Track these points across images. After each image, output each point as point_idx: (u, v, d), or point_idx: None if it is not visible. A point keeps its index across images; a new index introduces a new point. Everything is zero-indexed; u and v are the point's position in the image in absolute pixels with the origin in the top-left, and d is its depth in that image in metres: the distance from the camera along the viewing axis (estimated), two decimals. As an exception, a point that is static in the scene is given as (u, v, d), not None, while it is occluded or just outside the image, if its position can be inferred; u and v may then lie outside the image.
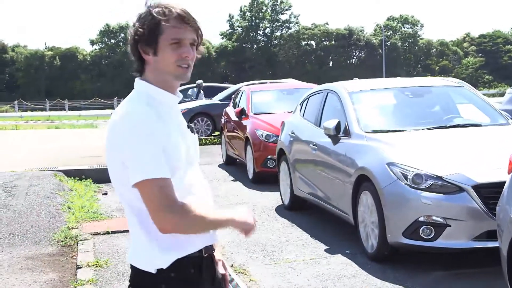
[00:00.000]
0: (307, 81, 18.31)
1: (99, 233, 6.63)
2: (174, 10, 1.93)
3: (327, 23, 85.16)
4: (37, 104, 56.36)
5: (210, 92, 19.28)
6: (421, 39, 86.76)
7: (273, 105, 11.39)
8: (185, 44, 1.95)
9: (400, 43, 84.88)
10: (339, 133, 6.32)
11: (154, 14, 1.93)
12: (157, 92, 1.99)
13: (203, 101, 17.93)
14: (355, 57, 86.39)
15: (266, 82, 15.51)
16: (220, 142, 13.51)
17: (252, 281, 5.08)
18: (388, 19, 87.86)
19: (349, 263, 5.45)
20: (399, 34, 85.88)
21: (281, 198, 8.18)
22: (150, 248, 1.94)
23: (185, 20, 1.94)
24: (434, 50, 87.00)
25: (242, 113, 11.12)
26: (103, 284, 5.00)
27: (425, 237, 5.00)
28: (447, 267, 5.24)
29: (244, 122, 10.85)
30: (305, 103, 7.97)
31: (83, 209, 7.73)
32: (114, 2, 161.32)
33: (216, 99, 17.55)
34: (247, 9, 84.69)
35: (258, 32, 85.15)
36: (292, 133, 7.81)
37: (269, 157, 9.61)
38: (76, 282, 5.00)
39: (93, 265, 5.43)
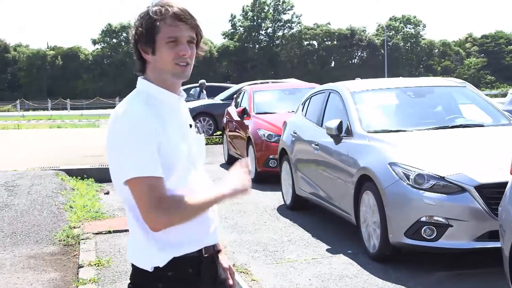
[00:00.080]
0: (309, 81, 18.31)
1: (101, 232, 6.63)
2: (171, 9, 1.94)
3: (329, 23, 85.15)
4: (39, 104, 56.43)
5: (213, 92, 19.30)
6: (423, 39, 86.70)
7: (275, 105, 11.39)
8: (182, 42, 1.95)
9: (402, 43, 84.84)
10: (341, 133, 6.31)
11: (151, 13, 1.94)
12: (157, 91, 1.99)
13: (205, 101, 17.94)
14: (357, 57, 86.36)
15: (268, 82, 15.52)
16: (222, 141, 13.52)
17: (254, 280, 5.08)
18: (390, 19, 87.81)
19: (350, 263, 5.45)
20: (401, 34, 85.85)
21: (283, 197, 8.18)
22: (148, 246, 1.94)
23: (181, 18, 1.94)
24: (436, 50, 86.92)
25: (244, 113, 11.12)
26: (105, 283, 5.00)
27: (427, 237, 4.99)
28: (449, 267, 5.24)
29: (246, 121, 10.86)
30: (307, 103, 7.97)
31: (85, 208, 7.73)
32: (114, 2, 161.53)
33: (218, 99, 17.56)
34: (249, 9, 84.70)
35: (260, 32, 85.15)
36: (294, 133, 7.81)
37: (271, 156, 9.61)
38: (78, 281, 5.01)
39: (95, 264, 5.43)
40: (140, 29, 1.96)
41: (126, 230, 6.84)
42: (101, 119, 31.07)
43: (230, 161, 12.28)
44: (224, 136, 12.80)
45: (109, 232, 6.64)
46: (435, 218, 4.96)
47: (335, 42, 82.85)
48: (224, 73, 79.26)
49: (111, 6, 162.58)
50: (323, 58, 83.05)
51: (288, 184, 7.96)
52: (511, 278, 3.76)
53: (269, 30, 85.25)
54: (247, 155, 10.48)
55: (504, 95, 37.71)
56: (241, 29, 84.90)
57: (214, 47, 79.73)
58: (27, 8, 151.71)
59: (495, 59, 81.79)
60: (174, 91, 2.02)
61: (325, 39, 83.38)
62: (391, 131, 6.09)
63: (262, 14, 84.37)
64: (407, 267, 5.24)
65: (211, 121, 16.96)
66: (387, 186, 5.24)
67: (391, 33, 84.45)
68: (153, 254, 1.94)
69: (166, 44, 1.94)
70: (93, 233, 6.57)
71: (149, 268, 1.94)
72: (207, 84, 20.44)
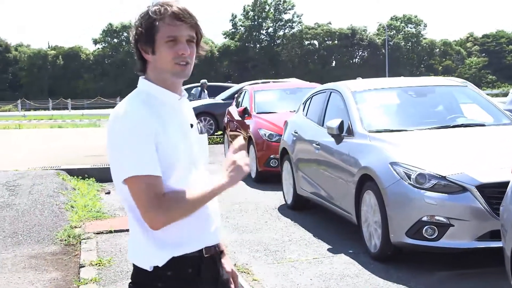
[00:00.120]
0: (310, 80, 18.30)
1: (102, 232, 6.63)
2: (170, 8, 1.94)
3: (330, 23, 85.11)
4: (40, 104, 56.43)
5: (214, 92, 19.30)
6: (424, 39, 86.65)
7: (276, 104, 11.39)
8: (181, 42, 1.95)
9: (403, 43, 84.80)
10: (342, 132, 6.31)
11: (150, 13, 1.95)
12: (157, 90, 1.99)
13: (206, 101, 17.95)
14: (358, 57, 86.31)
15: (269, 82, 15.51)
16: (223, 141, 13.51)
17: (255, 280, 5.08)
18: (391, 18, 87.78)
19: (352, 263, 5.45)
20: (402, 34, 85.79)
21: (284, 197, 8.18)
22: (147, 246, 1.95)
23: (180, 17, 1.94)
24: (437, 50, 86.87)
25: (245, 113, 11.12)
26: (106, 283, 5.00)
27: (428, 237, 4.99)
28: (450, 267, 5.24)
29: (247, 121, 10.85)
30: (308, 102, 7.96)
31: (86, 208, 7.73)
32: (114, 1, 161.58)
33: (219, 99, 17.56)
34: (250, 9, 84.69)
35: (261, 31, 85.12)
36: (295, 132, 7.80)
37: (272, 156, 9.61)
38: (79, 281, 5.01)
39: (96, 264, 5.43)
40: (139, 29, 1.97)
41: (127, 230, 6.80)
42: (102, 119, 31.08)
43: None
44: (225, 135, 12.80)
45: (110, 231, 6.64)
46: (437, 217, 4.96)
47: (336, 42, 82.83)
48: (225, 72, 79.24)
49: (111, 6, 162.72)
50: (324, 57, 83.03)
51: (289, 184, 7.95)
52: (513, 278, 3.75)
53: (270, 29, 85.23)
54: (248, 155, 10.46)
55: (505, 95, 37.67)
56: (242, 28, 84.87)
57: (215, 47, 79.72)
58: (27, 8, 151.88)
59: (496, 58, 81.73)
60: (175, 91, 2.02)
61: (326, 39, 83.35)
62: (392, 130, 6.08)
63: (263, 13, 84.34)
64: (409, 267, 5.24)
65: (212, 121, 16.95)
66: (388, 185, 5.23)
67: (392, 33, 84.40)
68: (152, 253, 1.94)
69: (166, 43, 1.94)
70: (94, 233, 6.57)
71: (148, 267, 1.94)
72: (208, 83, 20.45)
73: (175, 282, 1.95)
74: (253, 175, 10.15)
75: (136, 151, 1.86)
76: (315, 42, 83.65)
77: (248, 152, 10.47)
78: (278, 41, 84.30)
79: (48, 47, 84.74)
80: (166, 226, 1.89)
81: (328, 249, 5.92)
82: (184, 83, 2.12)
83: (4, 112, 48.72)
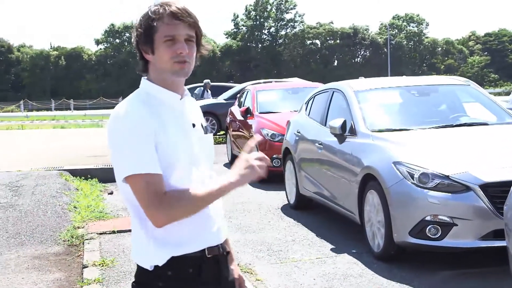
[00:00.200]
0: (312, 80, 18.30)
1: (105, 233, 6.63)
2: (168, 8, 1.94)
3: (332, 22, 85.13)
4: (43, 104, 56.53)
5: (218, 92, 19.31)
6: (427, 37, 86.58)
7: (279, 104, 11.38)
8: (179, 41, 1.95)
9: (405, 42, 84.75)
10: (345, 132, 6.30)
11: (150, 13, 1.96)
12: (158, 90, 1.99)
13: (208, 101, 17.95)
14: (360, 56, 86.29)
15: (271, 81, 15.50)
16: (226, 141, 13.51)
17: (258, 280, 5.08)
18: (393, 17, 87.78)
19: (355, 263, 5.44)
20: (404, 33, 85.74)
21: (287, 197, 8.17)
22: (147, 245, 1.95)
23: (178, 16, 1.94)
24: (440, 48, 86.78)
25: (247, 112, 11.12)
26: (109, 283, 5.00)
27: (431, 236, 4.98)
28: (454, 266, 5.22)
29: (249, 121, 10.85)
30: (310, 102, 7.95)
31: (89, 208, 7.74)
32: (114, 2, 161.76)
33: (221, 98, 17.56)
34: (252, 8, 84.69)
35: (263, 31, 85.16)
36: (297, 132, 7.80)
37: (274, 156, 9.60)
38: (83, 282, 5.01)
39: (99, 265, 5.43)
40: (139, 29, 1.98)
41: (130, 230, 6.79)
42: (105, 119, 31.10)
43: (233, 161, 12.27)
44: (228, 135, 12.79)
45: (113, 232, 6.65)
46: (440, 217, 4.95)
47: (338, 41, 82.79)
48: (227, 72, 79.29)
49: (111, 6, 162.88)
50: (326, 57, 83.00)
51: (291, 184, 7.95)
52: (517, 277, 3.74)
53: (272, 29, 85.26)
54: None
55: (508, 93, 37.67)
56: (244, 28, 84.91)
57: (217, 47, 79.75)
58: (28, 9, 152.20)
59: (499, 57, 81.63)
60: (176, 90, 2.02)
61: (328, 38, 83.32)
62: (395, 130, 6.07)
63: (265, 13, 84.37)
64: (412, 267, 5.23)
65: (214, 121, 16.95)
66: (391, 185, 5.23)
67: (394, 32, 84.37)
68: (153, 253, 1.94)
69: (164, 43, 1.94)
70: (97, 233, 6.57)
71: (148, 266, 1.95)
72: (211, 84, 20.46)
73: (175, 282, 1.95)
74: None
75: (135, 150, 1.86)
76: (317, 41, 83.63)
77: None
78: (280, 41, 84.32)
79: (50, 48, 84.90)
80: (167, 225, 1.89)
81: (331, 249, 5.91)
82: (187, 83, 2.11)
83: (6, 113, 48.79)
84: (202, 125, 2.10)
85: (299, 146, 7.68)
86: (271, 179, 9.65)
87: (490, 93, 13.26)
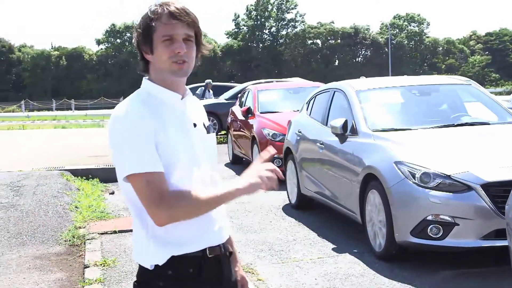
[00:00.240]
0: (313, 80, 18.29)
1: (106, 233, 6.63)
2: (167, 8, 1.95)
3: (332, 22, 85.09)
4: (44, 104, 56.57)
5: (220, 92, 19.32)
6: (427, 37, 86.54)
7: (280, 104, 11.38)
8: (177, 40, 1.95)
9: (406, 42, 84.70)
10: (346, 131, 6.30)
11: (149, 13, 1.97)
12: (158, 90, 2.00)
13: (209, 100, 17.94)
14: (361, 56, 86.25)
15: (272, 81, 15.50)
16: (227, 141, 13.51)
17: (260, 280, 5.07)
18: (394, 17, 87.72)
19: (356, 262, 5.44)
20: (405, 33, 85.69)
21: (288, 197, 8.17)
22: (147, 244, 1.95)
23: (176, 16, 1.94)
24: (441, 48, 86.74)
25: (248, 112, 11.11)
26: (111, 283, 5.00)
27: (433, 236, 4.97)
28: (455, 266, 5.22)
29: (250, 121, 10.85)
30: (311, 101, 7.95)
31: (90, 208, 7.74)
32: (115, 2, 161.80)
33: (222, 98, 17.56)
34: (253, 8, 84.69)
35: (264, 31, 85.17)
36: (299, 132, 7.79)
37: (275, 156, 9.57)
38: (84, 282, 5.01)
39: (101, 265, 5.44)
40: (139, 30, 1.99)
41: (132, 230, 6.78)
42: (106, 119, 31.11)
43: (234, 161, 12.29)
44: (229, 135, 12.80)
45: (115, 232, 6.65)
46: (441, 216, 4.94)
47: (339, 41, 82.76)
48: (228, 72, 79.29)
49: (111, 6, 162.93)
50: (327, 57, 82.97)
51: (293, 183, 7.95)
52: (518, 277, 3.73)
53: (273, 29, 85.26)
54: (252, 155, 10.47)
55: (509, 93, 37.66)
56: (245, 28, 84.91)
57: (218, 47, 79.77)
58: (29, 8, 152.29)
59: (500, 56, 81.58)
60: (177, 90, 2.02)
61: (328, 38, 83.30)
62: (396, 129, 6.07)
63: (266, 13, 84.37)
64: (413, 266, 5.23)
65: (215, 121, 16.95)
66: (392, 185, 5.22)
67: (395, 31, 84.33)
68: (153, 252, 1.94)
69: (162, 42, 1.94)
70: (98, 233, 6.57)
71: (149, 266, 1.95)
72: (213, 83, 20.46)
73: (175, 281, 1.95)
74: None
75: (135, 149, 1.87)
76: (318, 41, 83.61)
77: (252, 152, 10.46)
78: (281, 41, 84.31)
79: (51, 48, 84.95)
80: (168, 225, 1.89)
81: (333, 249, 5.91)
82: (188, 83, 2.11)
83: (8, 113, 48.83)
84: (204, 125, 2.10)
85: (300, 146, 7.68)
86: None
87: (491, 92, 13.25)
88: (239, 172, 11.11)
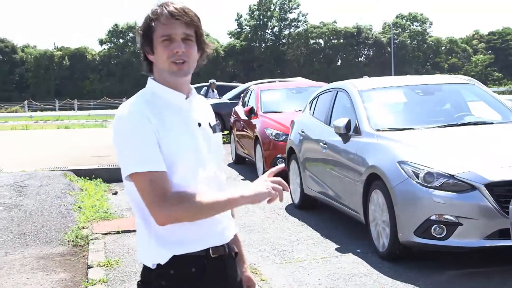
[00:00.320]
0: (315, 79, 18.30)
1: (109, 233, 6.64)
2: (166, 8, 1.95)
3: (335, 22, 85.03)
4: (47, 104, 56.66)
5: (224, 92, 19.32)
6: (430, 36, 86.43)
7: (282, 104, 11.37)
8: (176, 40, 1.95)
9: (409, 41, 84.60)
10: (349, 131, 6.29)
11: (150, 14, 1.98)
12: (162, 90, 2.00)
13: (212, 100, 17.94)
14: (363, 56, 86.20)
15: (275, 81, 15.49)
16: (230, 141, 13.51)
17: (263, 280, 5.07)
18: (397, 17, 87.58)
19: (360, 262, 5.43)
20: (407, 32, 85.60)
21: (291, 197, 8.16)
22: (149, 244, 1.96)
23: (175, 15, 1.94)
24: (443, 47, 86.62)
25: (251, 112, 11.11)
26: (114, 284, 5.00)
27: (437, 236, 4.96)
28: (459, 266, 5.21)
29: (253, 121, 10.84)
30: (314, 101, 7.95)
31: (93, 208, 7.74)
32: (117, 2, 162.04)
33: (225, 98, 17.56)
34: (255, 8, 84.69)
35: (266, 31, 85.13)
36: (302, 131, 7.79)
37: (278, 156, 9.59)
38: (87, 282, 5.01)
39: (104, 265, 5.44)
40: (140, 31, 2.00)
41: (135, 230, 6.78)
42: (109, 119, 31.15)
43: (237, 161, 12.29)
44: (232, 135, 12.79)
45: (118, 232, 6.65)
46: (445, 216, 4.93)
47: (341, 41, 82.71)
48: (231, 72, 79.32)
49: (114, 6, 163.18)
50: (329, 56, 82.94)
51: (296, 183, 7.94)
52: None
53: (275, 29, 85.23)
54: (255, 155, 10.47)
55: (512, 92, 37.54)
56: (247, 28, 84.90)
57: (221, 47, 79.78)
58: (32, 9, 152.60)
59: (503, 55, 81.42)
60: (180, 90, 2.01)
61: (331, 38, 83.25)
62: (399, 129, 6.06)
63: (268, 13, 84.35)
64: (417, 266, 5.22)
65: (218, 121, 16.94)
66: (396, 184, 5.21)
67: (397, 31, 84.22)
68: (154, 251, 1.94)
69: (161, 42, 1.95)
70: (102, 234, 6.58)
71: (151, 264, 1.95)
72: (217, 83, 20.45)
73: (178, 281, 1.94)
74: (260, 175, 10.12)
75: (138, 149, 1.87)
76: (321, 41, 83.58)
77: (255, 152, 10.46)
78: (284, 41, 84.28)
79: (54, 48, 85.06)
80: (170, 225, 1.89)
81: (336, 249, 5.91)
82: (191, 83, 2.10)
83: (11, 113, 48.91)
84: (210, 124, 2.10)
85: (303, 145, 7.67)
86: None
87: (494, 91, 13.25)
88: (242, 172, 11.11)
